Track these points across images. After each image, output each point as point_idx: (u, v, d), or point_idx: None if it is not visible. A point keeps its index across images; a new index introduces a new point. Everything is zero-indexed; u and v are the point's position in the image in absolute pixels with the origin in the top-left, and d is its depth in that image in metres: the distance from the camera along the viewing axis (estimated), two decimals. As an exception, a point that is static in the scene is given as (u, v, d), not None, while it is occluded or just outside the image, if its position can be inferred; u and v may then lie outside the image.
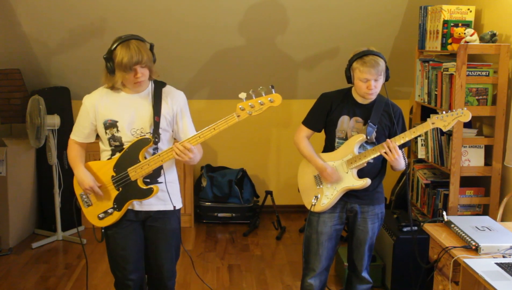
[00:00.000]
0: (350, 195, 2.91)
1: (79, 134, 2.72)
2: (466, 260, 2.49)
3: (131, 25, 4.40)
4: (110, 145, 2.64)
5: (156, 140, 2.59)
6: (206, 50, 4.71)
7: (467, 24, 3.58)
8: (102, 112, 2.63)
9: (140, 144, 2.58)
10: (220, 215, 5.10)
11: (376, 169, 2.91)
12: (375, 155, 2.78)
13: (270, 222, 5.13)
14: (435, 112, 3.80)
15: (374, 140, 2.84)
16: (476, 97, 3.41)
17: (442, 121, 2.72)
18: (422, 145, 3.87)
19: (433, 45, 3.71)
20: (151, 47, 2.57)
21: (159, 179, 2.68)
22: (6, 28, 4.42)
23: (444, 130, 2.74)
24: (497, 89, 3.39)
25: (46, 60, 4.77)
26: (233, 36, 4.55)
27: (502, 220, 3.26)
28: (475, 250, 2.58)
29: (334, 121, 2.89)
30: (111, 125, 2.62)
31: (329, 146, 2.96)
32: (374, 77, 2.72)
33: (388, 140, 2.76)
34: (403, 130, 2.89)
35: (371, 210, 2.95)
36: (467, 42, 3.40)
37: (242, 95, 2.41)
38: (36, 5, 4.22)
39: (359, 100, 2.86)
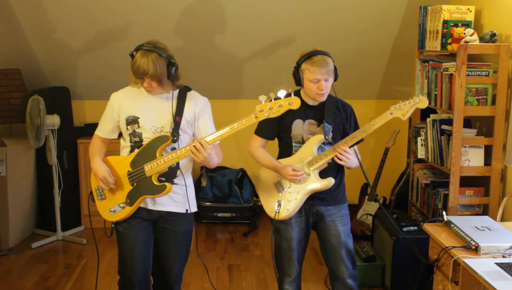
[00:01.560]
0: (314, 198, 2.85)
1: (103, 129, 2.79)
2: (466, 260, 2.49)
3: (131, 24, 4.41)
4: (131, 141, 2.70)
5: (175, 138, 2.62)
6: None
7: (467, 24, 3.58)
8: (125, 109, 2.69)
9: (158, 141, 2.62)
10: (220, 215, 5.10)
11: (335, 168, 2.86)
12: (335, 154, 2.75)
13: (270, 222, 5.11)
14: (435, 112, 3.80)
15: (331, 140, 2.81)
16: (476, 97, 3.41)
17: (400, 110, 2.71)
18: (422, 145, 3.87)
19: (433, 45, 3.71)
20: (170, 63, 2.56)
21: (175, 181, 2.71)
22: (6, 28, 4.42)
23: (403, 119, 2.72)
24: (497, 89, 3.39)
25: (46, 60, 4.77)
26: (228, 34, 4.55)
27: (502, 220, 3.26)
28: (475, 250, 2.58)
29: (287, 126, 2.84)
30: (132, 121, 2.67)
31: (285, 152, 2.90)
32: (325, 76, 2.68)
33: (334, 145, 2.74)
34: (356, 126, 2.87)
35: (338, 211, 2.88)
36: (467, 42, 3.40)
37: (262, 97, 2.46)
38: (37, 5, 4.22)
39: (309, 101, 2.82)
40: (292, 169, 2.77)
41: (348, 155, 2.72)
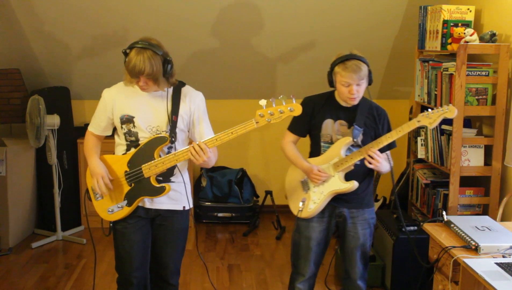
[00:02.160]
0: (338, 199, 2.86)
1: (96, 126, 2.76)
2: (466, 260, 2.49)
3: (130, 24, 4.41)
4: (126, 140, 2.68)
5: (173, 139, 2.61)
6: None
7: (467, 24, 3.58)
8: (119, 107, 2.66)
9: (156, 141, 2.61)
10: (220, 215, 5.10)
11: (364, 172, 2.85)
12: (362, 157, 2.74)
13: (270, 222, 5.13)
14: (435, 112, 3.80)
15: (360, 143, 2.80)
16: (476, 97, 3.41)
17: (427, 118, 2.68)
18: (422, 145, 3.87)
19: (433, 45, 3.71)
20: (166, 61, 2.53)
21: (172, 179, 2.71)
22: (6, 28, 4.42)
23: (430, 127, 2.70)
24: (496, 89, 3.39)
25: (46, 60, 4.77)
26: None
27: (502, 220, 3.26)
28: (475, 250, 2.58)
29: (318, 125, 2.85)
30: (127, 120, 2.64)
31: (315, 151, 2.91)
32: (356, 82, 2.68)
33: (365, 147, 2.73)
34: (389, 131, 2.83)
35: (361, 215, 2.89)
36: (467, 42, 3.40)
37: (262, 102, 2.45)
38: (36, 5, 4.22)
39: (343, 103, 2.82)
40: (317, 169, 2.78)
41: (378, 158, 2.70)
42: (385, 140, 2.72)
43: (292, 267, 3.04)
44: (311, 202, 2.85)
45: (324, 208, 2.87)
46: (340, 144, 2.80)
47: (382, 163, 2.72)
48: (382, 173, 2.85)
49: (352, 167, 2.79)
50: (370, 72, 2.75)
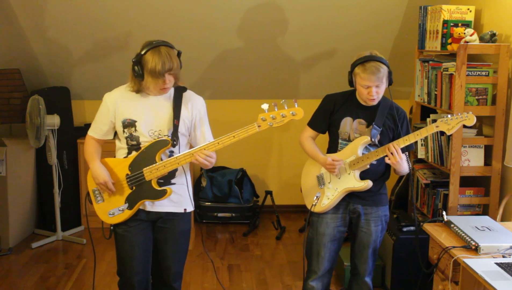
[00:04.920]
0: (353, 196, 2.88)
1: (97, 131, 2.73)
2: (466, 260, 2.49)
3: (132, 26, 4.41)
4: (127, 144, 2.67)
5: (175, 142, 2.60)
6: (208, 52, 4.71)
7: (467, 24, 3.58)
8: (121, 111, 2.64)
9: (158, 145, 2.60)
10: (220, 215, 5.10)
11: (379, 171, 2.88)
12: (378, 157, 2.76)
13: (270, 222, 5.13)
14: (434, 112, 3.80)
15: (377, 143, 2.82)
16: (476, 97, 3.41)
17: (446, 124, 2.69)
18: (422, 145, 3.87)
19: (433, 45, 3.71)
20: (179, 54, 2.56)
21: (173, 181, 2.70)
22: (6, 28, 4.42)
23: (448, 133, 2.71)
24: (496, 89, 3.39)
25: (46, 60, 4.77)
26: (233, 38, 4.56)
27: (502, 220, 3.27)
28: (475, 250, 2.58)
29: (337, 122, 2.87)
30: (129, 124, 2.63)
31: (332, 148, 2.94)
32: (375, 83, 2.69)
33: (390, 143, 2.73)
34: (407, 133, 2.85)
35: (375, 212, 2.91)
36: (467, 42, 3.40)
37: (265, 106, 2.45)
38: (37, 5, 4.22)
39: (363, 102, 2.84)
40: (331, 159, 2.80)
41: (397, 157, 2.69)
42: (402, 142, 2.73)
43: (306, 265, 3.05)
44: (325, 198, 2.89)
45: (338, 204, 2.89)
46: (358, 143, 2.81)
47: (401, 163, 2.72)
48: (401, 174, 2.86)
49: (368, 166, 2.81)
50: (390, 73, 2.75)
